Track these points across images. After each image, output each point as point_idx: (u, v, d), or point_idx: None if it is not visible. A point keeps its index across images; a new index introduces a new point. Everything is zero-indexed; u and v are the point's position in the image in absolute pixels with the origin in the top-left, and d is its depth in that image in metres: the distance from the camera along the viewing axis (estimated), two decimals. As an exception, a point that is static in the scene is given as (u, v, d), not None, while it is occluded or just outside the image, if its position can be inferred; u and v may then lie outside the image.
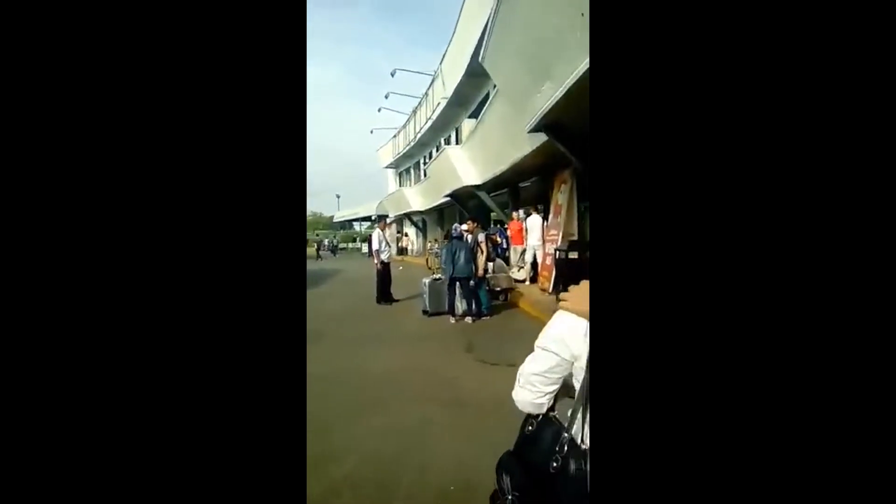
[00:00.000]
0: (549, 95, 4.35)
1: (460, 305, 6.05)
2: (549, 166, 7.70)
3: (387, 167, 25.67)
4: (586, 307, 0.60)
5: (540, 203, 8.47)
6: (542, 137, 5.66)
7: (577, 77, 3.69)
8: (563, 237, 6.97)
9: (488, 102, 7.82)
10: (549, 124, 4.89)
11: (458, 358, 4.14)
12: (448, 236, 6.07)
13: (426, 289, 6.28)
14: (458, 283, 5.77)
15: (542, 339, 0.69)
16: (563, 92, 4.01)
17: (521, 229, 8.55)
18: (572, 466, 0.60)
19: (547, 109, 4.48)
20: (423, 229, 19.95)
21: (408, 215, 19.98)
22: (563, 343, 0.66)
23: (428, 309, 6.28)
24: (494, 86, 7.08)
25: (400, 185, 22.85)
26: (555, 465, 0.61)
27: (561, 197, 7.37)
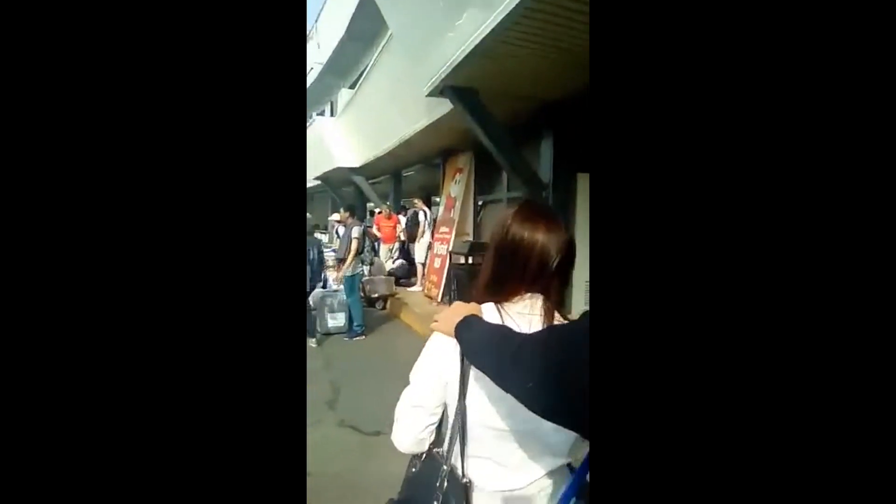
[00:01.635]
0: (461, 43, 3.08)
1: (324, 322, 4.61)
2: (443, 152, 6.51)
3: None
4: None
5: (427, 194, 7.28)
6: (442, 108, 4.39)
7: (507, 13, 2.48)
8: (455, 236, 5.84)
9: (375, 56, 6.23)
10: (458, 87, 3.63)
11: (310, 427, 2.63)
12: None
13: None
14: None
15: (417, 368, 0.66)
16: (481, 37, 2.77)
17: (394, 225, 7.32)
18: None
19: (456, 62, 3.21)
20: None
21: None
22: (437, 368, 0.63)
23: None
24: (387, 40, 5.57)
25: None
26: (436, 503, 0.59)
27: (455, 188, 6.23)
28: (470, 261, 4.77)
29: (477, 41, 2.87)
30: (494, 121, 3.84)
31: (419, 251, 6.64)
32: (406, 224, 6.86)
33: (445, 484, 0.58)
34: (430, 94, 3.84)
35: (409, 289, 6.71)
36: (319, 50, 10.95)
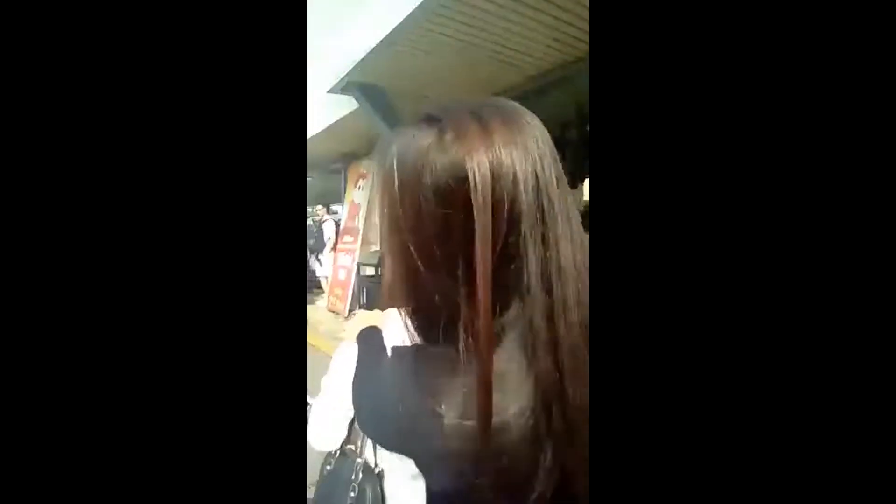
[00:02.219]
0: (368, 36, 2.83)
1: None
2: (345, 156, 6.11)
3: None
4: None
5: (325, 202, 6.81)
6: (343, 110, 4.07)
7: (419, 4, 2.30)
8: (362, 246, 5.49)
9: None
10: (363, 83, 3.34)
11: None
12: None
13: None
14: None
15: (328, 374, 0.62)
16: (391, 29, 2.55)
17: None
18: (369, 493, 0.55)
19: (362, 56, 2.95)
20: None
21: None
22: (344, 373, 0.58)
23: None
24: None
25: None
26: (352, 494, 0.57)
27: (358, 195, 5.89)
28: (380, 272, 4.48)
29: (386, 34, 2.64)
30: (402, 122, 3.63)
31: (324, 264, 6.14)
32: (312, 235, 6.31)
33: (360, 475, 0.59)
34: (332, 91, 3.51)
35: (311, 304, 6.17)
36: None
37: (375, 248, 5.50)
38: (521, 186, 0.40)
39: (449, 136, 0.41)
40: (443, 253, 0.41)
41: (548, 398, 0.40)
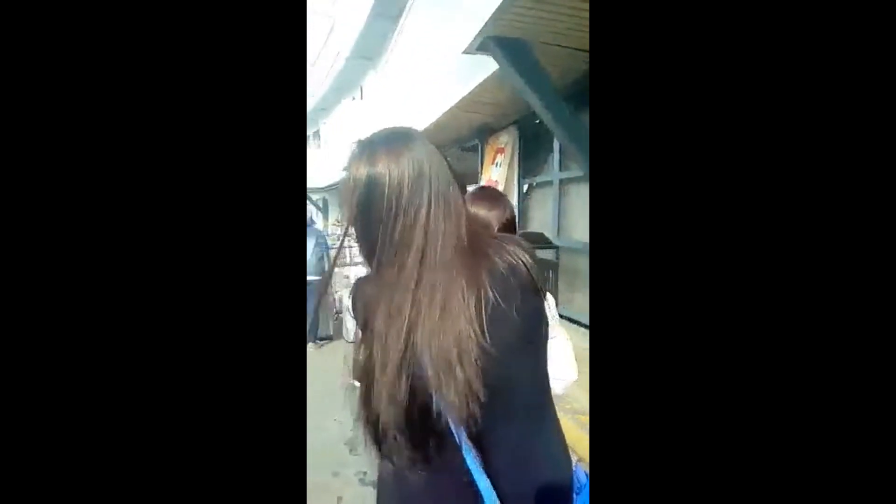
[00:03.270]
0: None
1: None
2: (482, 131, 5.76)
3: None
4: None
5: (462, 183, 6.56)
6: (480, 74, 3.65)
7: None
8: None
9: (400, 24, 5.54)
10: (503, 38, 2.89)
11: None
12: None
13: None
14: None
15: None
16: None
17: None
18: None
19: (499, 4, 2.47)
20: (324, 210, 17.25)
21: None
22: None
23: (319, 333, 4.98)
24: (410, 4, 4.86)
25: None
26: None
27: (495, 171, 5.50)
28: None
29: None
30: (549, 81, 3.06)
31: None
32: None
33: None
34: (467, 51, 3.11)
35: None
36: (340, 34, 10.36)
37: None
38: (395, 182, 0.61)
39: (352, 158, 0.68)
40: (367, 226, 0.65)
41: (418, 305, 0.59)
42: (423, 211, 0.59)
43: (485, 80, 3.67)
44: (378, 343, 0.59)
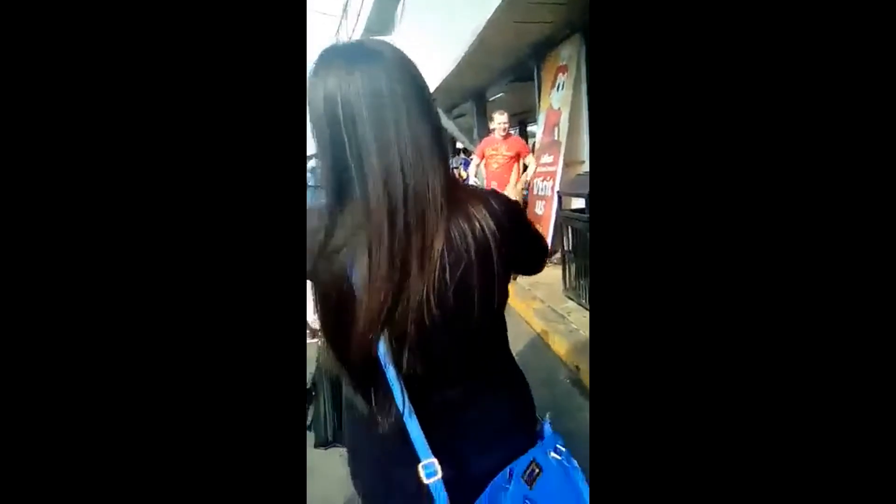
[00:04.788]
0: None
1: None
2: (536, 47, 4.52)
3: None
4: None
5: (521, 122, 5.36)
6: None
7: None
8: (564, 168, 3.97)
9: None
10: None
11: None
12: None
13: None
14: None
15: None
16: None
17: (512, 154, 4.21)
18: None
19: None
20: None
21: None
22: None
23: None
24: None
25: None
26: None
27: (557, 97, 4.28)
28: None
29: None
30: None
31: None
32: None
33: None
34: None
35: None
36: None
37: (585, 169, 3.92)
38: (346, 101, 0.55)
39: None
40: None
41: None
42: (386, 137, 0.55)
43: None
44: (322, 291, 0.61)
